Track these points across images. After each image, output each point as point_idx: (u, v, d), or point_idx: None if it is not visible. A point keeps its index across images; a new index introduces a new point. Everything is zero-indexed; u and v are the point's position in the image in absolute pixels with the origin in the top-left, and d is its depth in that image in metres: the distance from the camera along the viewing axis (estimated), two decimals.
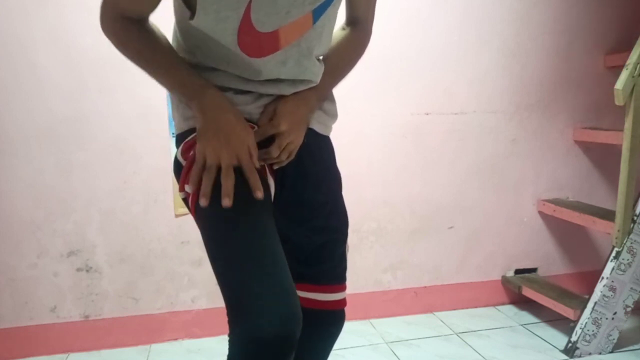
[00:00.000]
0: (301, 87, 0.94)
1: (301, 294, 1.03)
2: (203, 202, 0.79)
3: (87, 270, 1.90)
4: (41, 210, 1.83)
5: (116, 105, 1.83)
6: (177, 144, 0.96)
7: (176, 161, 0.95)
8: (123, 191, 1.88)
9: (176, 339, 2.01)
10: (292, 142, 0.91)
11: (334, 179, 1.06)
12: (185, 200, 0.92)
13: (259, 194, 0.80)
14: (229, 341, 0.79)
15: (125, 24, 0.86)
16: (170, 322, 2.00)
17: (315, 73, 0.95)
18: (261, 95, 0.92)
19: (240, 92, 0.92)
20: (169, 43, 0.92)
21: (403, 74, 2.05)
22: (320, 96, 0.99)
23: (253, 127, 0.91)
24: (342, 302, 1.07)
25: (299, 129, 0.92)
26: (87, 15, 1.75)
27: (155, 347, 1.96)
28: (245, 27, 0.82)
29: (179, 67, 0.88)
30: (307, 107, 0.95)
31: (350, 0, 1.02)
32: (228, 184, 0.79)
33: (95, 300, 1.92)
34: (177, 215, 1.94)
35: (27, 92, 1.76)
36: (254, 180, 0.81)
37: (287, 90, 0.93)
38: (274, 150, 0.89)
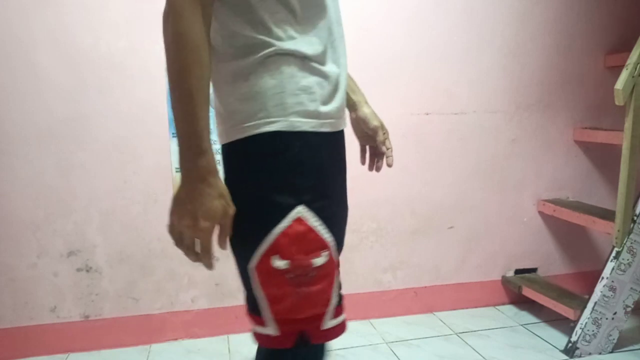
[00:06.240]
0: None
1: None
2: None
3: (87, 270, 1.90)
4: (41, 210, 1.83)
5: (116, 105, 1.83)
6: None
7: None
8: (123, 191, 1.88)
9: (176, 339, 2.01)
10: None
11: None
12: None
13: (210, 267, 0.82)
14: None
15: (200, 10, 0.73)
16: (170, 322, 2.00)
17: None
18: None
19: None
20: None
21: (403, 74, 2.05)
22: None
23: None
24: None
25: None
26: (87, 15, 1.75)
27: (155, 347, 1.96)
28: None
29: (207, 107, 0.76)
30: None
31: None
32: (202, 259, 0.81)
33: (95, 300, 1.92)
34: None
35: (27, 92, 1.76)
36: (207, 260, 0.80)
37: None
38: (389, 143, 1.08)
